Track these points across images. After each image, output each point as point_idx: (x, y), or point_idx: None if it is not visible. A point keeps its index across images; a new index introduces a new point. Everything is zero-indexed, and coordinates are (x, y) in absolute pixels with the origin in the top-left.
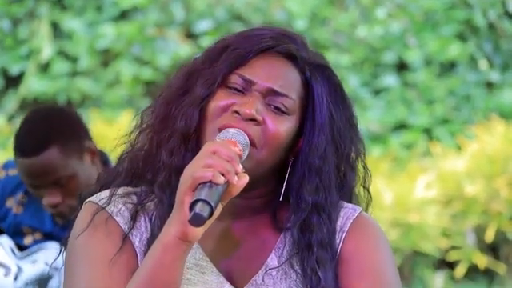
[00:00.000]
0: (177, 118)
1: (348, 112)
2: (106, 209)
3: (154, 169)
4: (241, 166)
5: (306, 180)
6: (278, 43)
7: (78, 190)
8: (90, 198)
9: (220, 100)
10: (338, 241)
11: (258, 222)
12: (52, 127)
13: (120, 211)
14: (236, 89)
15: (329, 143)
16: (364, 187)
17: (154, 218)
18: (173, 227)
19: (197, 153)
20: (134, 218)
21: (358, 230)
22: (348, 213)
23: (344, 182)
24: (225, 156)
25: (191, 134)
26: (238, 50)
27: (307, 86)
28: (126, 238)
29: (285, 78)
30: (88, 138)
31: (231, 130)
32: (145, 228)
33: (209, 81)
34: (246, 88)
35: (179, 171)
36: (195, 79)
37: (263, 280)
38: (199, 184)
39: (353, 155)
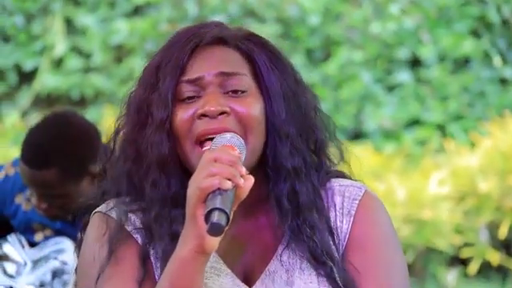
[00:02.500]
0: (147, 150)
1: (291, 70)
2: (120, 222)
3: (146, 208)
4: (244, 168)
5: (279, 147)
6: (204, 35)
7: (65, 206)
8: (99, 209)
9: (182, 115)
10: (346, 225)
11: (265, 215)
12: (59, 148)
13: (132, 222)
14: (190, 97)
15: (287, 106)
16: (332, 137)
17: (158, 254)
18: (189, 242)
19: (180, 177)
20: (148, 241)
21: (365, 215)
22: (353, 193)
23: (313, 140)
24: (226, 161)
25: (167, 159)
26: (172, 61)
27: (250, 59)
28: (145, 253)
29: (227, 60)
30: (94, 161)
31: (225, 135)
32: (157, 252)
33: (161, 103)
34: (198, 91)
35: (169, 201)
36: (146, 109)
37: (277, 268)
38: (208, 194)
39: (311, 110)
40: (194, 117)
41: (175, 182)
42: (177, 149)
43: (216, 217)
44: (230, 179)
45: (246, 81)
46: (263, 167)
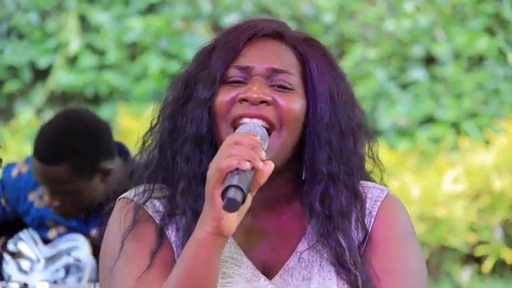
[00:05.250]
0: (185, 125)
1: (344, 81)
2: (143, 206)
3: (174, 180)
4: (264, 153)
5: (317, 151)
6: (263, 26)
7: (77, 203)
8: (124, 195)
9: (224, 95)
10: (367, 226)
11: (288, 211)
12: (70, 145)
13: (156, 208)
14: (236, 81)
15: (332, 112)
16: (371, 156)
17: (180, 227)
18: (207, 224)
19: (213, 155)
20: (170, 213)
21: (385, 216)
22: (375, 194)
23: (353, 151)
24: (247, 144)
25: (204, 137)
26: (227, 45)
27: (302, 60)
28: (163, 234)
29: (280, 56)
30: (106, 158)
31: (249, 124)
32: (177, 228)
33: (208, 81)
34: (245, 77)
35: (198, 177)
36: (193, 85)
37: (296, 264)
38: (227, 174)
39: (355, 124)
40: (235, 100)
41: (207, 160)
42: (213, 128)
43: (232, 193)
44: (248, 161)
45: (294, 80)
46: (296, 167)
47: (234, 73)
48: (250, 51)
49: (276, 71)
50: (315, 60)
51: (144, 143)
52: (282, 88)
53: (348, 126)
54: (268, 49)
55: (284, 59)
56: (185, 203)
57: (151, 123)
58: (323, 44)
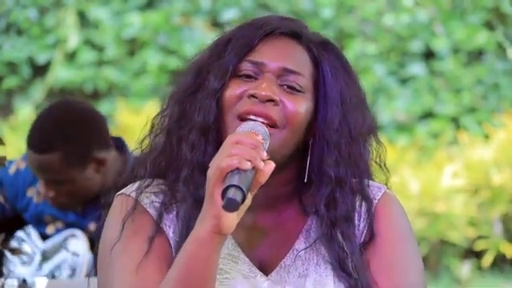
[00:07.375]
0: (193, 113)
1: (356, 86)
2: (139, 201)
3: (177, 167)
4: (265, 153)
5: (326, 155)
6: (281, 25)
7: (72, 193)
8: (122, 191)
9: (234, 89)
10: (363, 224)
11: (286, 210)
12: (63, 133)
13: (152, 203)
14: (248, 75)
15: (342, 117)
16: (379, 162)
17: (180, 214)
18: (207, 222)
19: (218, 146)
20: (166, 208)
21: (382, 214)
22: (373, 192)
23: (361, 156)
24: (248, 144)
25: (210, 127)
26: (243, 39)
27: (315, 63)
28: (160, 228)
29: (294, 57)
30: (99, 147)
31: (250, 123)
32: (176, 220)
33: (220, 72)
34: (257, 73)
35: (201, 166)
36: (205, 74)
37: (292, 262)
38: (227, 173)
39: (365, 129)
40: (244, 94)
41: (211, 150)
42: (220, 119)
43: (232, 193)
44: (249, 161)
45: (305, 82)
46: (299, 167)
47: (246, 67)
48: (265, 47)
49: (288, 71)
50: (329, 63)
51: (153, 126)
52: (291, 89)
53: (358, 130)
54: (283, 47)
55: (297, 60)
56: (186, 191)
57: (162, 106)
58: (339, 47)
